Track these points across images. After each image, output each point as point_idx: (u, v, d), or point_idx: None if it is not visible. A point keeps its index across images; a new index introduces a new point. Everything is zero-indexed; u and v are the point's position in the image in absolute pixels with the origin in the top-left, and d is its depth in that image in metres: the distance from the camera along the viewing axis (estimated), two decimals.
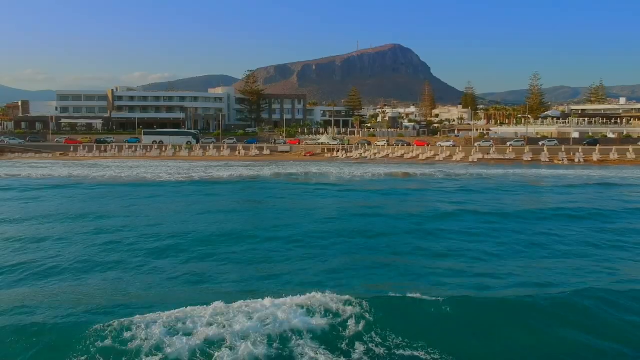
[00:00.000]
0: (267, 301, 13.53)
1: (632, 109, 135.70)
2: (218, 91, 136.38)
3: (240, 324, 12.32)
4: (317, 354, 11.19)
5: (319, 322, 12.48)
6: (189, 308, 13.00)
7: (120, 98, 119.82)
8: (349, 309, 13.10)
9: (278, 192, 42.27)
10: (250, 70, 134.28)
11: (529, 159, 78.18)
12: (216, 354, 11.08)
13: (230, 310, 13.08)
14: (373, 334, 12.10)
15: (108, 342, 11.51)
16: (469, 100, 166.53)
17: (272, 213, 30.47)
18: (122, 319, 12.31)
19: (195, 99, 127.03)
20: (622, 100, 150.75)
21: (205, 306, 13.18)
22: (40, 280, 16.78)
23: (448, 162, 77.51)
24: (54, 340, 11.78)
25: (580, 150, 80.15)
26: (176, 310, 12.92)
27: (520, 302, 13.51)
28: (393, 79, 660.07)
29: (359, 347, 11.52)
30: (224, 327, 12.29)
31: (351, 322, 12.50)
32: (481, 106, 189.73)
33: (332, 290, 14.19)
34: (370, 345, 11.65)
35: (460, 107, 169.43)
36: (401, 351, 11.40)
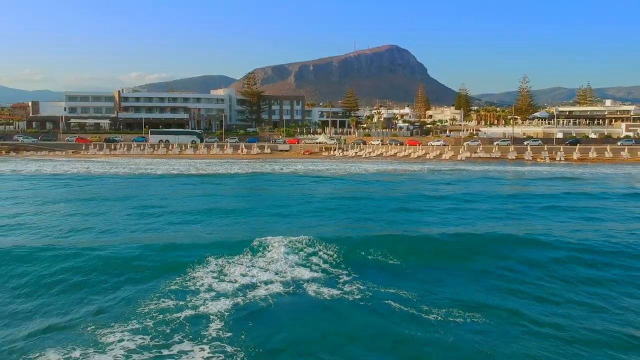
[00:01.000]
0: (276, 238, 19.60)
1: (616, 111, 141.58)
2: (220, 92, 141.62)
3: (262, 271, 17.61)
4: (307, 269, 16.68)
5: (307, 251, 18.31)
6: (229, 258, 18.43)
7: (126, 99, 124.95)
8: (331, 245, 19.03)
9: (279, 183, 47.58)
10: (251, 73, 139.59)
11: (514, 157, 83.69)
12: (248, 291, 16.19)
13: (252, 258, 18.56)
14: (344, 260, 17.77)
15: (176, 280, 16.74)
16: (462, 102, 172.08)
17: (273, 197, 36.12)
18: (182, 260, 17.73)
19: (198, 100, 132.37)
20: (608, 102, 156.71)
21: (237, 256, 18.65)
22: (118, 234, 22.49)
23: (438, 160, 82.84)
24: (138, 268, 17.20)
25: (561, 150, 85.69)
26: (219, 259, 18.34)
27: (452, 240, 20.00)
28: (390, 80, 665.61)
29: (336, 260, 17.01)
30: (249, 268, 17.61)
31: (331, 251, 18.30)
32: (475, 107, 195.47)
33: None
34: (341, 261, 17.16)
35: (452, 108, 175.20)
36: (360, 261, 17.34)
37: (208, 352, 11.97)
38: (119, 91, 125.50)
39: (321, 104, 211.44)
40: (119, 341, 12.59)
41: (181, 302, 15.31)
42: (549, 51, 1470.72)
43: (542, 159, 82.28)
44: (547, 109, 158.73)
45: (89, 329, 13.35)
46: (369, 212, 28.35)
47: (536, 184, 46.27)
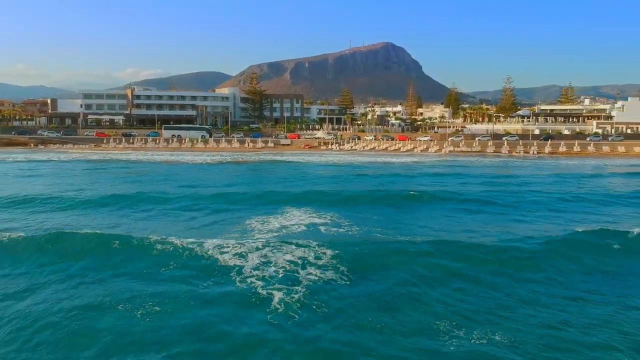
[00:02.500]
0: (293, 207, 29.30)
1: (594, 109, 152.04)
2: (225, 91, 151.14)
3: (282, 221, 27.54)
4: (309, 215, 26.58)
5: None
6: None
7: (138, 97, 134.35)
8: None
9: (285, 168, 57.55)
10: (253, 73, 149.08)
11: (492, 151, 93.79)
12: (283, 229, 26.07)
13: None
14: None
15: (235, 227, 26.57)
16: (452, 100, 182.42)
17: (283, 176, 46.47)
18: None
19: (205, 98, 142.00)
20: (587, 101, 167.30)
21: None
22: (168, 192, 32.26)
23: (424, 153, 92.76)
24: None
25: (535, 145, 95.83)
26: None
27: (416, 196, 29.88)
28: (385, 77, 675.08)
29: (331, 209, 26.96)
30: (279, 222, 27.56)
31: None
32: (467, 105, 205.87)
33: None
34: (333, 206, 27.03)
35: (442, 106, 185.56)
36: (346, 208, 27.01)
37: (264, 242, 21.65)
38: (131, 89, 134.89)
39: (317, 101, 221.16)
40: (213, 242, 22.34)
41: (244, 235, 24.90)
42: (547, 51, 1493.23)
43: (517, 152, 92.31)
44: (531, 108, 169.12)
45: (192, 238, 23.00)
46: (357, 184, 38.44)
47: (501, 170, 56.46)
